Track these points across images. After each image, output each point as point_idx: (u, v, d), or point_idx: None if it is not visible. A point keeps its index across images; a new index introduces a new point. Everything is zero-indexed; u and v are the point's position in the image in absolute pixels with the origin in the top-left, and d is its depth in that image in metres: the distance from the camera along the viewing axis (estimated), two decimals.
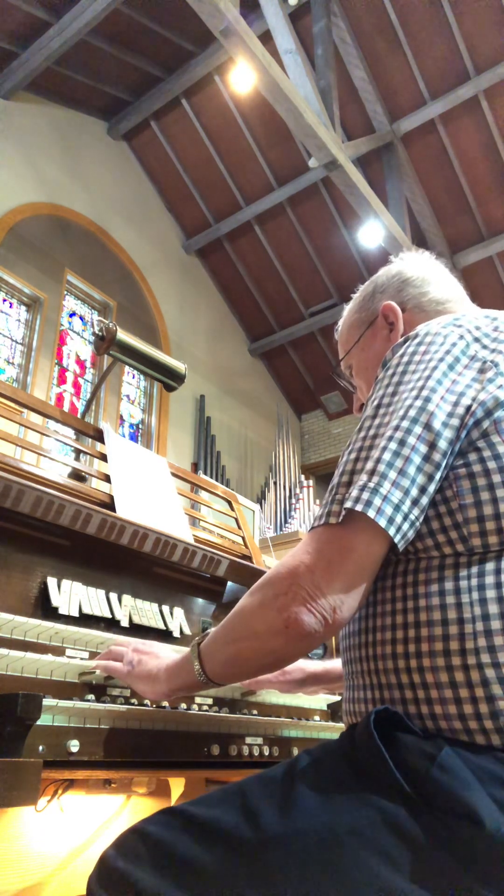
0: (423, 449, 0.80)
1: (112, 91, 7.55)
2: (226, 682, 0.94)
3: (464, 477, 0.82)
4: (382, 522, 0.77)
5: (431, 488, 0.80)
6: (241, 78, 5.94)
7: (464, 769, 0.70)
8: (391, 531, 0.78)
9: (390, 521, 0.78)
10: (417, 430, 0.81)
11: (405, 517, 0.79)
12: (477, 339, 0.89)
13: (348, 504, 0.79)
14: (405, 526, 0.79)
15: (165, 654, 1.04)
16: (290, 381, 10.08)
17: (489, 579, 0.78)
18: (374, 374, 1.10)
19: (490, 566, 0.79)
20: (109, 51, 6.88)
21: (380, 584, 0.86)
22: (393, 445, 0.81)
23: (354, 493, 0.80)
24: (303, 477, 8.69)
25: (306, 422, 10.29)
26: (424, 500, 0.80)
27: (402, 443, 0.81)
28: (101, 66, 7.08)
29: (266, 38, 5.75)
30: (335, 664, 1.30)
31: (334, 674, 1.30)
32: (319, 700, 1.57)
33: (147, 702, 1.09)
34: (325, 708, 1.59)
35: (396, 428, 0.82)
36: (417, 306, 1.11)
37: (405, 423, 0.82)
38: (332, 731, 1.40)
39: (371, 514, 0.77)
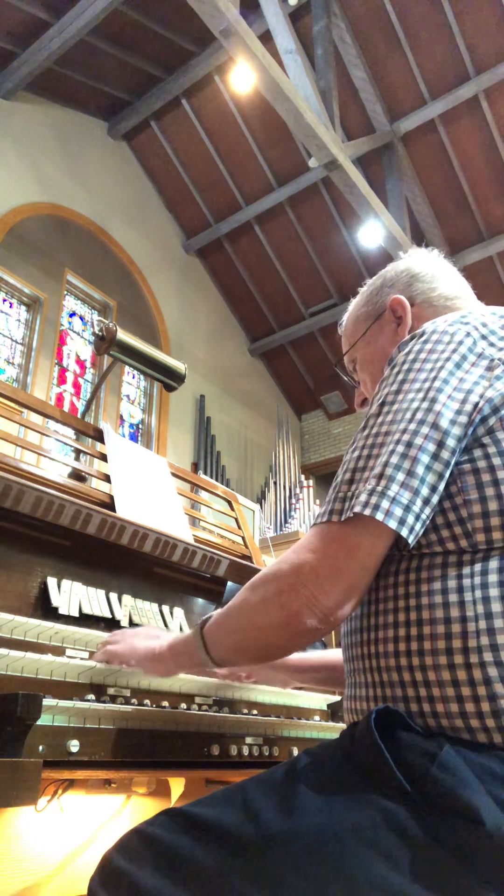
0: (432, 447, 0.80)
1: (112, 91, 7.55)
2: (229, 666, 1.09)
3: (468, 473, 0.82)
4: (393, 524, 0.78)
5: (442, 486, 0.81)
6: (241, 78, 5.94)
7: (464, 768, 0.70)
8: (403, 532, 0.78)
9: (401, 521, 0.78)
10: (425, 430, 0.81)
11: (417, 517, 0.79)
12: (484, 337, 0.89)
13: (357, 509, 0.79)
14: (417, 526, 0.80)
15: (158, 634, 1.09)
16: (290, 381, 10.08)
17: (492, 578, 0.78)
18: (379, 368, 1.10)
19: (493, 564, 0.79)
20: (109, 51, 6.88)
21: (382, 582, 0.86)
22: (400, 448, 0.81)
23: (363, 497, 0.80)
24: (303, 477, 8.67)
25: (306, 422, 10.29)
26: (435, 498, 0.81)
27: (409, 444, 0.81)
28: (101, 66, 7.07)
29: (266, 38, 5.74)
30: (307, 656, 1.31)
31: (306, 664, 1.31)
32: (319, 700, 1.57)
33: (147, 701, 1.09)
34: (324, 708, 1.58)
35: (404, 431, 0.82)
36: (426, 301, 1.10)
37: (412, 426, 0.82)
38: (332, 731, 1.40)
39: (379, 517, 0.78)
